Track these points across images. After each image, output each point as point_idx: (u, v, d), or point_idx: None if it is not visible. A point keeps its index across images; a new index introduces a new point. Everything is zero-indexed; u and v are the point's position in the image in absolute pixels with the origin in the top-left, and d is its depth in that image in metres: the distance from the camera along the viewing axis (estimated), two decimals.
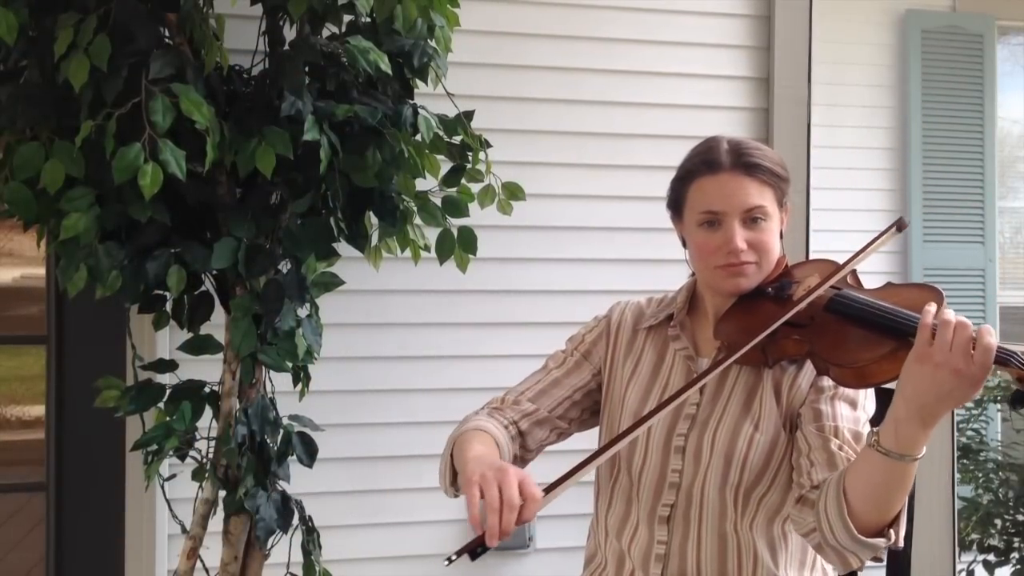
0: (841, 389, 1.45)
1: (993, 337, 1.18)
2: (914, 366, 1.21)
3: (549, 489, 1.30)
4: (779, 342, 1.44)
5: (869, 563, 1.35)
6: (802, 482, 1.40)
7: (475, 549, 1.26)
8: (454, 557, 1.24)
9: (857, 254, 1.42)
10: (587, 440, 1.70)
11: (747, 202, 1.47)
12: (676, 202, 1.56)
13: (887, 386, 1.33)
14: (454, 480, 1.51)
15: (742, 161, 1.48)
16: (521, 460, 1.58)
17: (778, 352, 1.45)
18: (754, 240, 1.48)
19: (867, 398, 1.48)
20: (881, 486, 1.27)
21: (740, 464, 1.46)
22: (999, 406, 3.72)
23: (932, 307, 1.23)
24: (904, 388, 1.22)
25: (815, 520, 1.35)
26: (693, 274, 1.62)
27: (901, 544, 1.34)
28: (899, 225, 1.39)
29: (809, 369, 1.47)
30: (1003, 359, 1.19)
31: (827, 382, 1.45)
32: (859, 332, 1.37)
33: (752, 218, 1.48)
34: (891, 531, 1.31)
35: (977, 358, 1.17)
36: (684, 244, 1.59)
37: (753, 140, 1.57)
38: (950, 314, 1.21)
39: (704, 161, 1.50)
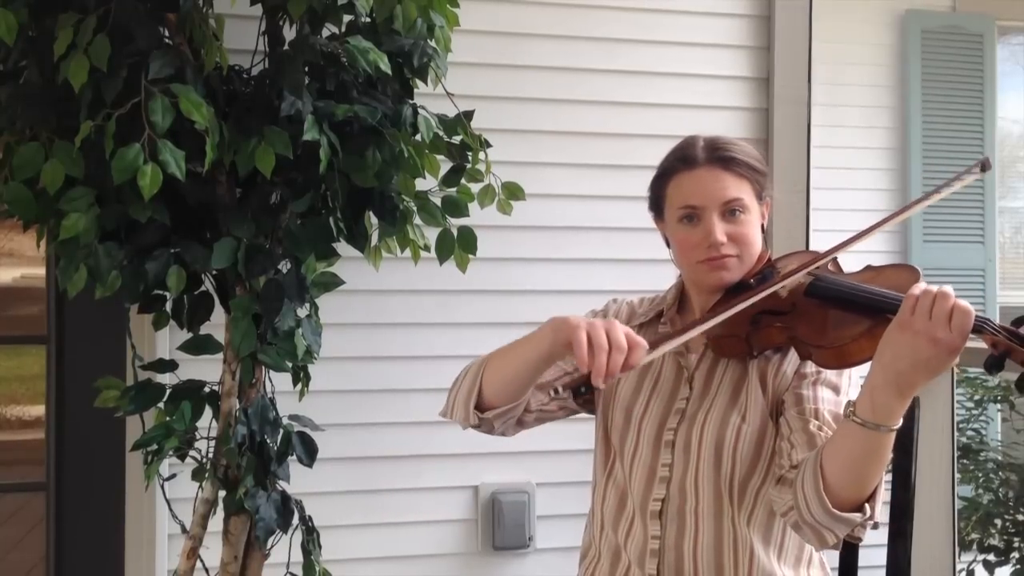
0: (824, 375, 1.46)
1: (968, 306, 1.20)
2: (894, 333, 1.22)
3: (655, 344, 1.35)
4: (762, 330, 1.46)
5: (869, 562, 1.36)
6: (782, 463, 1.42)
7: (579, 387, 1.30)
8: (560, 389, 1.32)
9: (844, 243, 1.44)
10: (585, 440, 1.70)
11: (724, 195, 1.49)
12: (656, 201, 1.59)
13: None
14: (479, 403, 1.52)
15: (717, 155, 1.51)
16: (520, 422, 1.58)
17: (762, 341, 1.47)
18: (734, 233, 1.49)
19: (851, 385, 1.48)
20: (857, 458, 1.27)
21: (731, 455, 1.47)
22: (999, 406, 3.72)
23: (917, 286, 1.25)
24: (882, 355, 1.23)
25: (792, 498, 1.35)
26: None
27: (877, 520, 1.34)
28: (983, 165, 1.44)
29: (793, 357, 1.49)
30: (977, 326, 1.21)
31: (810, 368, 1.46)
32: (838, 313, 1.39)
33: (731, 211, 1.49)
34: (867, 506, 1.31)
35: (955, 325, 1.18)
36: (668, 244, 1.60)
37: (734, 137, 1.58)
38: (931, 287, 1.22)
39: (680, 158, 1.53)
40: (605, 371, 1.27)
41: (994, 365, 1.24)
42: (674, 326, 1.61)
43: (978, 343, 1.26)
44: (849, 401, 1.29)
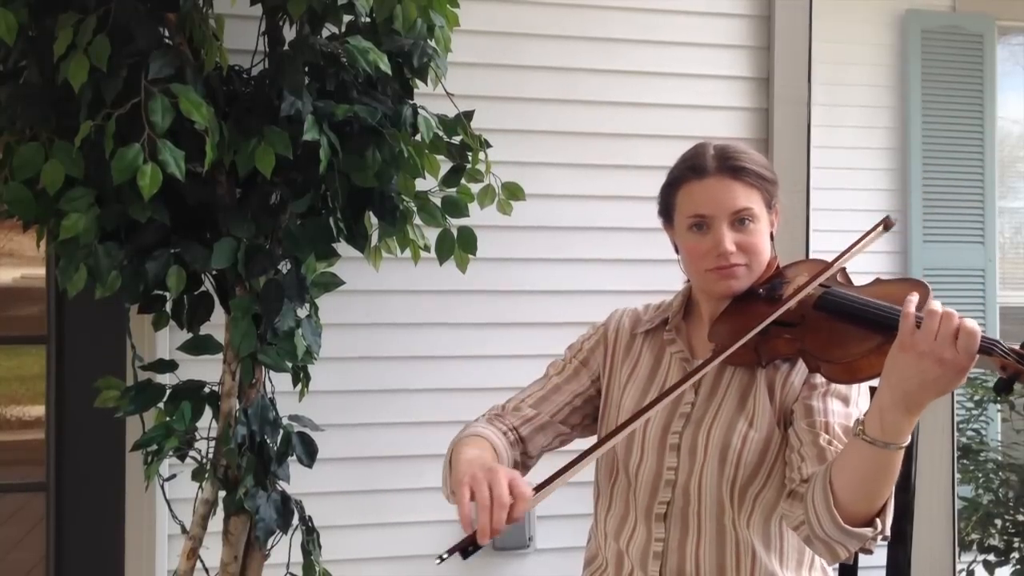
0: (833, 386, 1.46)
1: (976, 326, 1.19)
2: (899, 354, 1.22)
3: (539, 488, 1.31)
4: (771, 341, 1.45)
5: (869, 562, 1.36)
6: (792, 476, 1.42)
7: (466, 548, 1.27)
8: (445, 555, 1.27)
9: (844, 252, 1.43)
10: (586, 441, 1.70)
11: (734, 204, 1.49)
12: (666, 208, 1.59)
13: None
14: None
15: (728, 165, 1.50)
16: (523, 466, 1.59)
17: (771, 351, 1.47)
18: (743, 242, 1.49)
19: (860, 395, 1.48)
20: (867, 475, 1.27)
21: (735, 460, 1.47)
22: (999, 406, 3.72)
23: (915, 296, 1.24)
24: (889, 376, 1.23)
25: (803, 513, 1.35)
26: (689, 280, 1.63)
27: (888, 534, 1.34)
28: (885, 224, 1.41)
29: (802, 367, 1.49)
30: (986, 348, 1.21)
31: (820, 379, 1.46)
32: (847, 328, 1.38)
33: (740, 220, 1.49)
34: (878, 521, 1.31)
35: (961, 347, 1.18)
36: (677, 250, 1.60)
37: (741, 144, 1.58)
38: (936, 305, 1.21)
39: (691, 167, 1.53)
40: (488, 530, 1.25)
41: (1003, 388, 1.23)
42: (679, 333, 1.61)
43: None
44: (858, 419, 1.29)
